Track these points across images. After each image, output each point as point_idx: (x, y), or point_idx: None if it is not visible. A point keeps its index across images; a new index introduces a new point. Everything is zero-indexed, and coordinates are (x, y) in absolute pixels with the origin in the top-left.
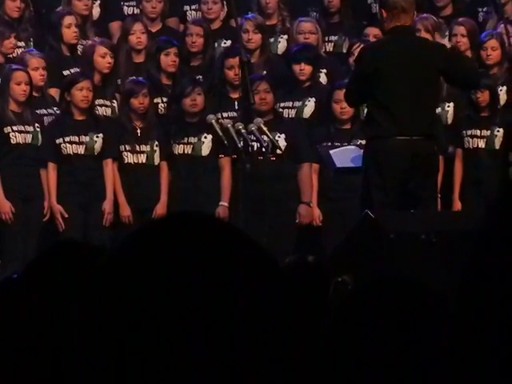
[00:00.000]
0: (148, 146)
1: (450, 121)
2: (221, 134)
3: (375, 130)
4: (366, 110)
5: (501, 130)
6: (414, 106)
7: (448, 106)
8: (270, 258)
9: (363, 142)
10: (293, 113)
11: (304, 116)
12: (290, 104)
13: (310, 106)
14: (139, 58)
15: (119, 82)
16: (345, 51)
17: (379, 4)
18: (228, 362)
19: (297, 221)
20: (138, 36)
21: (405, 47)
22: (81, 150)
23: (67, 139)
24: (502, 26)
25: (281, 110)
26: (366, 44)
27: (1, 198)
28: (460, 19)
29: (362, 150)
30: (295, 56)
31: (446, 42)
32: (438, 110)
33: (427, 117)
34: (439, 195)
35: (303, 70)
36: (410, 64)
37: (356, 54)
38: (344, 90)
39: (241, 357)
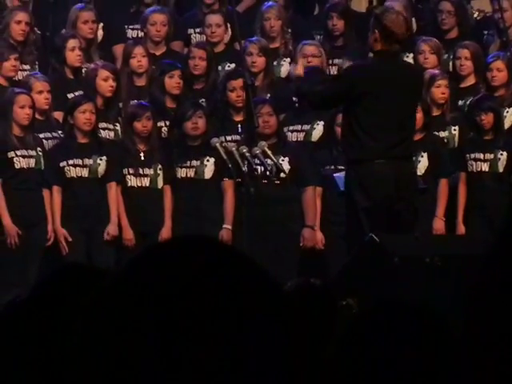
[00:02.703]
0: (151, 170)
1: (456, 144)
2: (225, 157)
3: (360, 152)
4: (344, 131)
5: (504, 153)
6: (398, 128)
7: (454, 130)
8: (272, 281)
9: None
10: (301, 136)
11: (312, 139)
12: (299, 127)
13: (318, 130)
14: (140, 82)
15: (121, 105)
16: None
17: (373, 23)
18: None
19: (301, 244)
20: (139, 59)
21: (394, 71)
22: (84, 173)
23: (71, 162)
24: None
25: (289, 133)
26: (356, 63)
27: (8, 222)
28: (464, 42)
29: None
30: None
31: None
32: (445, 133)
33: (409, 138)
34: (443, 219)
35: None
36: (398, 87)
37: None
38: (319, 91)
39: (242, 381)
